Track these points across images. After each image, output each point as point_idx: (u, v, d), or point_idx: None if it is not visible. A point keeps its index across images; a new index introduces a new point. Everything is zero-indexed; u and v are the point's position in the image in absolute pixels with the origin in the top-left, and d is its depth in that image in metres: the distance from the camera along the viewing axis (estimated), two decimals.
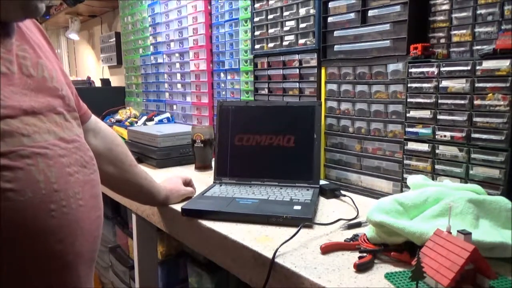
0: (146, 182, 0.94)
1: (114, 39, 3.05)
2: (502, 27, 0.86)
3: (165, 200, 1.01)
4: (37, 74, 0.54)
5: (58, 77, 0.59)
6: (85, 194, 0.56)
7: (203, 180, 1.24)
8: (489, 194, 0.80)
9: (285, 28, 1.39)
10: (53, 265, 0.51)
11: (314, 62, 1.30)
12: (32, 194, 0.47)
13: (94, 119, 0.82)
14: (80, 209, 0.55)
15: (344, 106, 1.22)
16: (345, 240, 0.77)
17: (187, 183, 1.09)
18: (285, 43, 1.39)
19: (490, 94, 0.84)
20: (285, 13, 1.38)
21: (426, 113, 0.97)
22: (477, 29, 0.91)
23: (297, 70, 1.37)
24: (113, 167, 0.85)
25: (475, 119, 0.87)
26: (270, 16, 1.44)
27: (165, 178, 1.07)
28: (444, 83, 0.92)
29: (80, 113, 0.73)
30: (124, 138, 1.82)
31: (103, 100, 2.60)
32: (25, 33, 0.56)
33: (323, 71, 1.28)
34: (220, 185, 1.14)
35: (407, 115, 1.01)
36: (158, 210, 1.08)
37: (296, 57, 1.37)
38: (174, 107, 2.17)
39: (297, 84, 1.37)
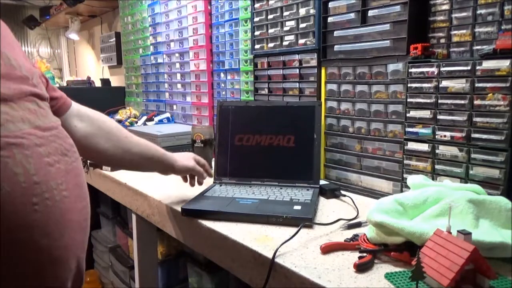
0: (147, 147, 0.91)
1: (114, 39, 3.04)
2: (502, 27, 0.86)
3: (174, 163, 0.96)
4: (5, 62, 0.52)
5: (27, 67, 0.57)
6: (69, 184, 0.54)
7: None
8: (489, 194, 0.80)
9: (285, 28, 1.39)
10: (41, 260, 0.49)
11: (314, 62, 1.30)
12: (10, 188, 0.45)
13: (75, 105, 0.80)
14: (65, 200, 0.52)
15: (344, 106, 1.22)
16: (345, 240, 0.77)
17: (201, 164, 1.04)
18: (285, 43, 1.39)
19: (490, 94, 0.84)
20: (285, 13, 1.38)
21: (426, 113, 0.97)
22: (477, 29, 0.91)
23: (297, 70, 1.37)
24: (109, 141, 0.83)
25: (475, 119, 0.87)
26: (270, 16, 1.44)
27: (166, 178, 1.07)
28: (444, 83, 0.92)
29: (60, 102, 0.71)
30: None
31: (103, 100, 2.60)
32: None
33: (323, 71, 1.28)
34: (220, 185, 1.14)
35: (407, 115, 1.01)
36: (158, 210, 1.08)
37: (296, 57, 1.37)
38: (174, 107, 2.17)
39: (297, 84, 1.37)
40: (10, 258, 0.46)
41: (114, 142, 0.84)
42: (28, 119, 0.50)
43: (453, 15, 0.95)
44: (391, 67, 1.08)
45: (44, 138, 0.51)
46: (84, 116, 0.81)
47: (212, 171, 1.09)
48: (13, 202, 0.45)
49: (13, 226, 0.45)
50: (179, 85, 2.10)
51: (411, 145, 1.01)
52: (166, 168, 0.97)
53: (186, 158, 1.00)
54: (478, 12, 0.90)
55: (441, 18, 0.98)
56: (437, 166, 0.96)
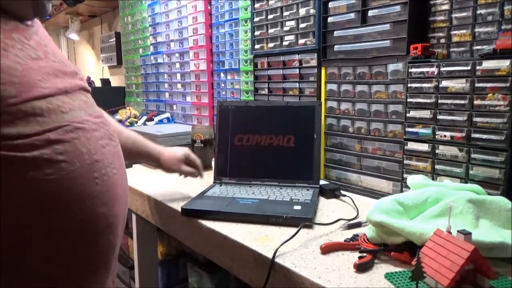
0: (132, 140, 0.97)
1: (114, 39, 3.05)
2: (502, 27, 0.86)
3: (159, 156, 1.02)
4: (57, 60, 0.58)
5: (72, 64, 0.64)
6: (116, 163, 0.62)
7: (203, 180, 1.24)
8: (489, 194, 0.80)
9: (285, 28, 1.39)
10: (99, 226, 0.57)
11: (314, 62, 1.30)
12: (80, 164, 0.53)
13: None
14: (115, 176, 0.61)
15: (344, 106, 1.22)
16: (345, 240, 0.77)
17: (190, 161, 1.07)
18: (285, 43, 1.39)
19: (490, 94, 0.84)
20: (285, 13, 1.38)
21: (426, 113, 0.97)
22: (477, 29, 0.91)
23: (297, 70, 1.37)
24: None
25: (475, 119, 0.87)
26: (270, 16, 1.44)
27: (164, 176, 1.07)
28: (444, 83, 0.92)
29: None
30: None
31: (103, 100, 2.58)
32: (40, 28, 0.61)
33: (323, 71, 1.28)
34: (220, 185, 1.14)
35: (407, 115, 1.00)
36: (158, 210, 1.08)
37: (296, 57, 1.37)
38: (174, 107, 2.17)
39: (297, 84, 1.37)
40: (77, 224, 0.54)
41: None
42: (83, 108, 0.59)
43: (453, 15, 0.95)
44: (391, 67, 1.08)
45: (96, 124, 0.60)
46: None
47: (203, 173, 1.11)
48: (82, 176, 0.54)
49: (82, 196, 0.54)
50: (179, 85, 2.10)
51: (411, 145, 1.01)
52: (153, 162, 1.05)
53: (173, 162, 1.04)
54: (478, 12, 0.90)
55: (441, 18, 0.98)
56: (437, 166, 0.96)
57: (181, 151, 1.06)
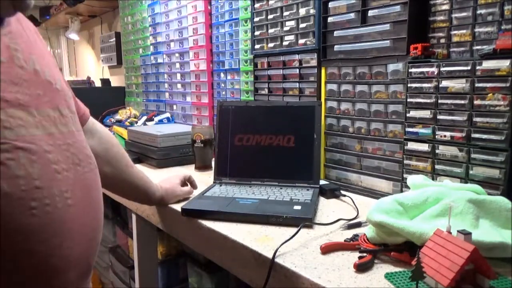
0: (142, 182, 0.95)
1: (114, 39, 3.04)
2: (502, 27, 0.86)
3: (160, 201, 1.02)
4: (28, 66, 0.52)
5: (52, 72, 0.57)
6: (76, 193, 0.53)
7: (203, 180, 1.24)
8: (489, 194, 0.80)
9: (285, 28, 1.39)
10: (37, 267, 0.48)
11: (314, 62, 1.30)
12: (9, 189, 0.45)
13: (91, 120, 0.83)
14: (69, 209, 0.51)
15: (344, 106, 1.22)
16: (345, 240, 0.77)
17: (187, 179, 1.09)
18: (285, 43, 1.39)
19: (490, 94, 0.84)
20: (285, 13, 1.38)
21: (426, 113, 0.97)
22: (477, 29, 0.91)
23: (297, 70, 1.37)
24: (110, 167, 0.86)
25: (475, 119, 0.87)
26: (270, 16, 1.44)
27: (165, 177, 1.07)
28: (444, 83, 0.92)
29: (79, 115, 0.71)
30: (124, 138, 1.82)
31: (103, 100, 2.60)
32: (19, 30, 0.55)
33: (323, 71, 1.28)
34: (220, 185, 1.14)
35: (407, 115, 1.01)
36: (158, 210, 1.08)
37: (296, 57, 1.37)
38: (174, 107, 2.17)
39: (297, 84, 1.37)
40: (6, 262, 0.46)
41: (115, 169, 0.87)
42: (43, 126, 0.51)
43: (453, 15, 0.95)
44: (391, 67, 1.08)
45: (55, 146, 0.52)
46: (96, 134, 0.83)
47: (204, 173, 1.14)
48: (11, 204, 0.45)
49: (9, 228, 0.45)
50: (179, 85, 2.10)
51: (411, 145, 1.01)
52: (153, 203, 1.04)
53: (171, 190, 1.04)
54: (478, 12, 0.90)
55: (441, 18, 0.97)
56: (437, 166, 0.96)
57: (174, 177, 1.07)
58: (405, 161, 1.02)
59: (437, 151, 0.95)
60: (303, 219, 0.85)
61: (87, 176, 0.57)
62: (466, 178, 0.90)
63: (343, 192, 1.09)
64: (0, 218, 0.44)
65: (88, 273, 0.59)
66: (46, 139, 0.51)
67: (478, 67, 0.86)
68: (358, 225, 0.85)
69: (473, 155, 0.89)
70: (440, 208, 0.73)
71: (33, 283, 0.49)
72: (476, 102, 0.87)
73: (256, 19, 1.50)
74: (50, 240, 0.49)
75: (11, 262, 0.46)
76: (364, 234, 0.76)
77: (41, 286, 0.49)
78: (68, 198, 0.52)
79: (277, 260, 0.70)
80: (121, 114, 2.42)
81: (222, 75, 1.78)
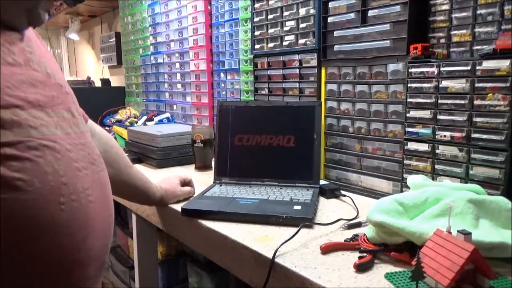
0: (141, 183, 0.95)
1: (114, 39, 3.05)
2: (502, 27, 0.86)
3: (160, 201, 1.01)
4: (41, 69, 0.54)
5: (60, 75, 0.60)
6: (95, 191, 0.56)
7: (203, 180, 1.24)
8: (489, 194, 0.80)
9: (285, 28, 1.39)
10: (63, 260, 0.50)
11: (314, 62, 1.30)
12: (41, 185, 0.47)
13: (89, 122, 0.83)
14: (90, 205, 0.54)
15: (344, 106, 1.22)
16: (345, 240, 0.77)
17: (186, 183, 1.09)
18: (285, 43, 1.39)
19: (490, 94, 0.84)
20: (285, 13, 1.38)
21: (426, 113, 0.97)
22: (477, 29, 0.91)
23: (297, 70, 1.37)
24: (109, 168, 0.85)
25: (475, 119, 0.87)
26: (270, 16, 1.44)
27: (164, 177, 1.07)
28: (444, 83, 0.92)
29: None
30: (124, 138, 1.82)
31: (103, 100, 2.60)
32: (30, 33, 0.57)
33: (323, 71, 1.28)
34: (220, 185, 1.14)
35: (407, 115, 1.01)
36: (158, 210, 1.08)
37: (296, 57, 1.37)
38: (174, 107, 2.17)
39: (297, 84, 1.37)
40: (37, 255, 0.47)
41: (114, 170, 0.86)
42: (61, 126, 0.53)
43: (453, 15, 0.95)
44: (391, 67, 1.08)
45: (73, 145, 0.54)
46: (95, 136, 0.83)
47: (203, 173, 1.13)
48: (42, 198, 0.47)
49: (41, 221, 0.47)
50: (179, 85, 2.10)
51: (411, 145, 1.01)
52: (153, 204, 1.05)
53: (171, 190, 1.04)
54: (478, 12, 0.90)
55: (441, 18, 0.97)
56: (437, 166, 0.96)
57: (173, 177, 1.07)
58: (405, 161, 1.02)
59: (437, 151, 0.95)
60: (303, 219, 0.85)
61: (101, 175, 0.60)
62: (466, 178, 0.90)
63: (343, 192, 1.09)
64: (34, 211, 0.46)
65: (102, 269, 0.61)
66: (66, 138, 0.53)
67: (478, 67, 0.86)
68: (358, 225, 0.86)
69: (473, 155, 0.89)
70: (440, 208, 0.73)
71: (56, 276, 0.50)
72: (476, 102, 0.87)
73: (256, 19, 1.50)
74: (76, 234, 0.51)
75: (40, 256, 0.48)
76: (364, 234, 0.76)
77: (63, 279, 0.51)
78: (89, 195, 0.54)
79: (277, 260, 0.70)
80: (121, 114, 2.42)
81: (222, 75, 1.78)
